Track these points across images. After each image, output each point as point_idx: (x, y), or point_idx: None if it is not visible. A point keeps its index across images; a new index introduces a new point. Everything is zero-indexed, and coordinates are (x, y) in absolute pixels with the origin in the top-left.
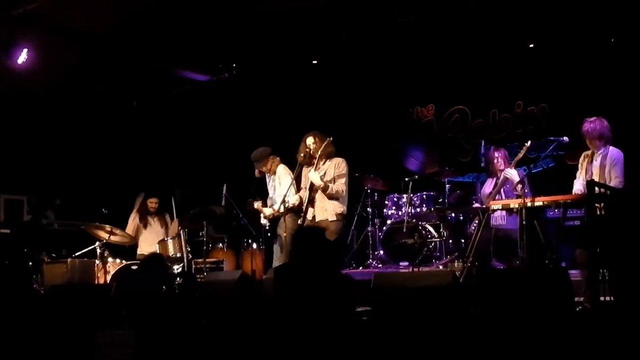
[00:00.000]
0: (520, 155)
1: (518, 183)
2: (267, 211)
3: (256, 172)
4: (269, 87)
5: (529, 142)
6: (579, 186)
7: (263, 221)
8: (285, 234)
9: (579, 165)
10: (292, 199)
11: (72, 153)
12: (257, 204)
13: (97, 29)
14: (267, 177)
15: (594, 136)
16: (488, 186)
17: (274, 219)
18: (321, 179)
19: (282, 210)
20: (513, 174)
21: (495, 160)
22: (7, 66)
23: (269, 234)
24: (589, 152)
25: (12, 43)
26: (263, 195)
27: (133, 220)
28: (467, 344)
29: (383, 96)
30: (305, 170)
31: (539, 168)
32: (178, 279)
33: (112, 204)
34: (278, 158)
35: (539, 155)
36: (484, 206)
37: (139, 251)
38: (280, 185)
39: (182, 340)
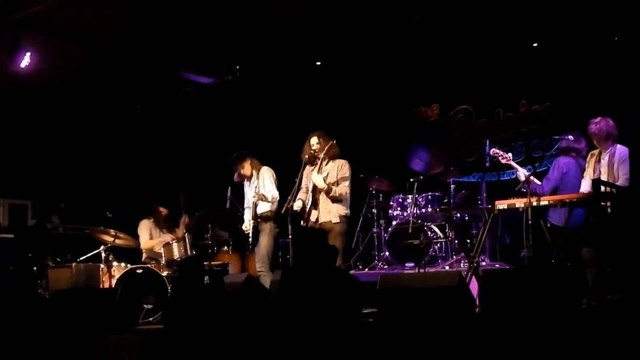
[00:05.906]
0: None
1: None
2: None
3: (235, 176)
4: (273, 88)
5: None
6: (586, 186)
7: (245, 226)
8: (265, 239)
9: (587, 165)
10: (273, 193)
11: (76, 157)
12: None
13: (101, 31)
14: (245, 182)
15: (601, 137)
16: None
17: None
18: (324, 181)
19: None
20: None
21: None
22: (11, 69)
23: (250, 240)
24: (595, 152)
25: (16, 47)
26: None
27: (147, 228)
28: (473, 345)
29: (387, 97)
30: (308, 170)
31: (544, 167)
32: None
33: (117, 207)
34: (257, 161)
35: (544, 154)
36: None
37: (145, 255)
38: (264, 184)
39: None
